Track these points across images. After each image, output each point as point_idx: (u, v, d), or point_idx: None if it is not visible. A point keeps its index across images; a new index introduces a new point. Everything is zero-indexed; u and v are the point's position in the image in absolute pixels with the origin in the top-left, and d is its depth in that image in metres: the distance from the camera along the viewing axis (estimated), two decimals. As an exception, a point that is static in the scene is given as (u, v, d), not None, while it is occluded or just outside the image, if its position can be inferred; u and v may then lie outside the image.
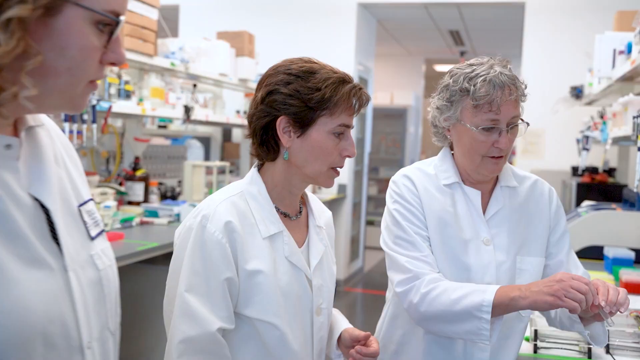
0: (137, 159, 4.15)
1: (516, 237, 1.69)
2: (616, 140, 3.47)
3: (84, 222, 0.97)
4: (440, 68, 11.47)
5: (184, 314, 1.36)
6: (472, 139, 1.62)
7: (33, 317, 0.80)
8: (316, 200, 1.65)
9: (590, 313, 1.48)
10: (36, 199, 0.87)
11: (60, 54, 0.81)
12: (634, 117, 2.43)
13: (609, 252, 3.02)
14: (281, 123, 1.42)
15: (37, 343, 0.81)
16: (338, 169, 1.49)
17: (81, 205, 0.98)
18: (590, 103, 5.04)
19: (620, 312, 1.43)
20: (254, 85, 5.31)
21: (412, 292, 1.60)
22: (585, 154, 4.19)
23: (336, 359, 1.62)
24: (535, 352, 1.81)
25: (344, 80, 1.44)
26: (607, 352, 1.79)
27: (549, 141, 6.01)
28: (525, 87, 1.65)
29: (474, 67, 1.62)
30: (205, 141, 5.97)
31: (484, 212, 1.70)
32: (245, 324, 1.42)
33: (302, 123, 1.42)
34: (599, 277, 2.76)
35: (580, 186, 4.62)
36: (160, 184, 4.47)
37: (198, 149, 5.78)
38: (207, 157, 5.89)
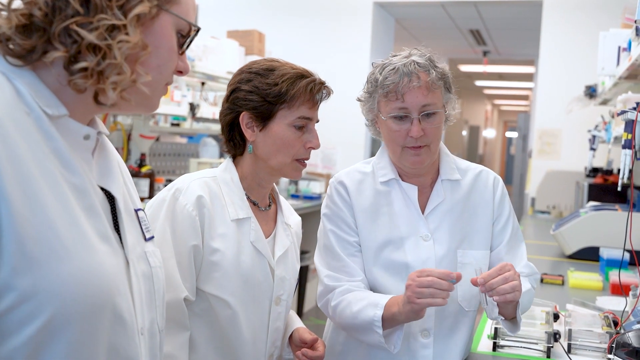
0: (142, 155, 4.20)
1: (457, 230, 1.67)
2: (617, 140, 3.40)
3: (140, 223, 1.03)
4: (464, 68, 11.35)
5: None
6: (388, 129, 1.63)
7: (107, 282, 0.86)
8: (286, 203, 1.72)
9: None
10: (104, 190, 0.95)
11: (154, 52, 0.91)
12: (618, 114, 2.37)
13: (604, 252, 2.95)
14: (244, 118, 1.52)
15: (106, 313, 0.86)
16: (303, 160, 1.56)
17: (136, 210, 1.05)
18: (604, 102, 4.92)
19: (494, 299, 1.42)
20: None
21: (328, 306, 1.65)
22: (592, 154, 4.10)
23: (286, 356, 1.65)
24: (494, 349, 1.79)
25: (302, 75, 1.52)
26: (568, 351, 1.75)
27: (565, 141, 5.90)
28: (443, 75, 1.61)
29: (392, 57, 1.63)
30: (220, 139, 6.02)
31: (424, 208, 1.69)
32: (202, 300, 1.49)
33: (263, 117, 1.51)
34: (590, 277, 2.71)
35: (592, 187, 4.52)
36: (168, 180, 4.52)
37: (213, 147, 5.83)
38: (221, 155, 5.95)
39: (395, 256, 1.64)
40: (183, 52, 0.97)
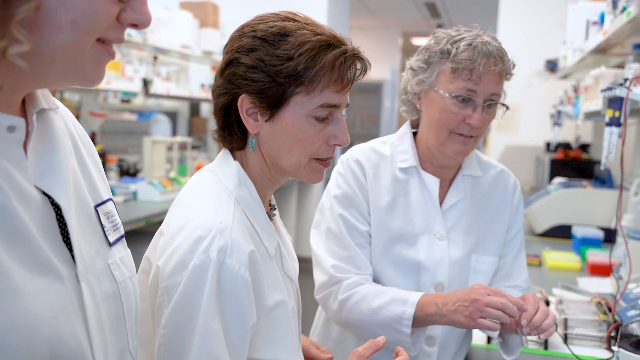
0: (93, 134, 3.97)
1: (473, 232, 1.53)
2: (588, 115, 3.35)
3: (102, 225, 0.83)
4: (417, 42, 11.32)
5: None
6: (442, 108, 1.44)
7: (39, 335, 0.66)
8: None
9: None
10: (45, 194, 0.73)
11: (62, 3, 0.66)
12: (602, 91, 2.30)
13: (577, 231, 2.92)
14: (244, 103, 1.08)
15: None
16: (325, 160, 1.14)
17: (99, 205, 0.84)
18: (565, 77, 4.91)
19: (540, 338, 1.31)
20: (219, 58, 5.13)
21: (330, 299, 1.48)
22: (557, 129, 4.08)
23: None
24: (488, 342, 1.70)
25: (328, 44, 1.06)
26: (565, 342, 1.67)
27: (524, 116, 5.90)
28: (514, 67, 1.48)
29: (461, 32, 1.46)
30: (172, 116, 5.79)
31: (441, 203, 1.54)
32: None
33: (271, 103, 1.07)
34: (567, 257, 2.66)
35: (553, 162, 4.52)
36: (121, 160, 4.30)
37: (165, 124, 5.60)
38: (174, 132, 5.72)
39: (407, 253, 1.50)
40: (127, 1, 0.71)
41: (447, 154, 1.48)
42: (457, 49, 1.41)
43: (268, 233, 1.12)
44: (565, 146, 4.92)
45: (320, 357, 1.33)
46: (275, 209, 1.22)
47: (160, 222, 1.16)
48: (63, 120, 0.82)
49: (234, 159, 1.14)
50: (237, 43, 1.09)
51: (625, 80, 2.05)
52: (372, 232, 1.51)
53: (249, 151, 1.13)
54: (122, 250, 0.86)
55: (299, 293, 1.27)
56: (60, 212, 0.74)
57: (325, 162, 1.14)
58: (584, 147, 4.96)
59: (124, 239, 0.88)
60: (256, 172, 1.14)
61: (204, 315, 0.97)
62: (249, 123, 1.10)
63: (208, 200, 1.08)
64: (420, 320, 1.39)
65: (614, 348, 1.54)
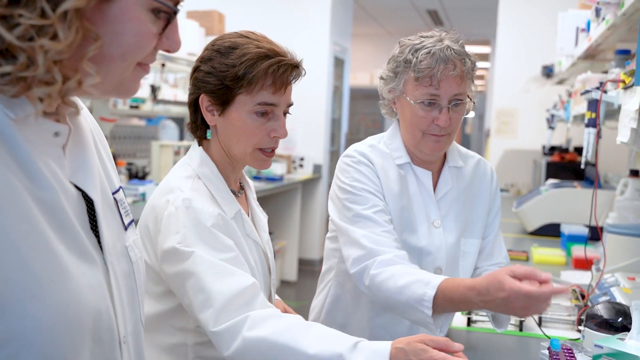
0: (103, 139, 4.13)
1: (462, 218, 1.68)
2: (577, 119, 3.49)
3: (119, 212, 0.95)
4: (422, 48, 11.42)
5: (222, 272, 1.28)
6: (412, 113, 1.59)
7: (85, 311, 0.79)
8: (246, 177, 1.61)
9: None
10: (79, 189, 0.85)
11: (115, 40, 0.78)
12: (581, 94, 2.44)
13: (565, 229, 3.04)
14: (203, 101, 1.39)
15: (86, 337, 0.80)
16: (268, 150, 1.42)
17: (114, 192, 0.96)
18: (560, 82, 5.04)
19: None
20: (225, 65, 5.28)
21: (365, 274, 1.52)
22: (551, 133, 4.20)
23: None
24: (468, 325, 1.83)
25: (265, 55, 1.35)
26: (539, 324, 1.81)
27: (522, 121, 6.03)
28: (474, 65, 1.60)
29: (423, 39, 1.57)
30: (180, 122, 5.95)
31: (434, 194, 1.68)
32: None
33: (221, 101, 1.38)
34: (553, 253, 2.79)
35: (549, 165, 4.64)
36: (130, 164, 4.45)
37: (172, 130, 5.76)
38: (181, 137, 5.88)
39: (411, 240, 1.63)
40: (166, 30, 0.84)
41: (424, 152, 1.63)
42: (417, 58, 1.54)
43: (227, 201, 1.41)
44: (562, 150, 5.05)
45: None
46: (242, 188, 1.53)
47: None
48: (85, 118, 0.95)
49: (200, 145, 1.46)
50: (202, 54, 1.41)
51: (601, 83, 2.18)
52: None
53: (212, 139, 1.44)
54: (134, 234, 0.98)
55: (270, 261, 1.52)
56: (92, 204, 0.86)
57: (268, 153, 1.42)
58: (579, 150, 5.08)
59: (133, 223, 1.01)
60: (216, 156, 1.45)
61: (187, 239, 1.28)
62: (207, 117, 1.41)
63: (175, 175, 1.42)
64: (445, 304, 1.41)
65: (581, 328, 1.67)
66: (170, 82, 4.85)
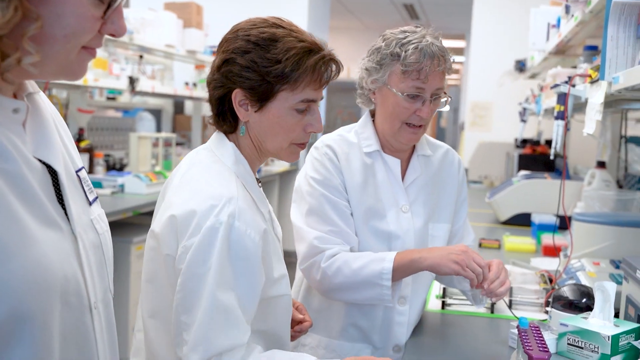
0: (81, 130, 4.14)
1: (430, 204, 1.76)
2: (548, 112, 3.59)
3: (83, 187, 0.99)
4: (398, 42, 11.51)
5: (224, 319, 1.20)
6: (395, 104, 1.65)
7: (52, 275, 0.83)
8: None
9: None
10: (43, 163, 0.89)
11: (57, 21, 0.80)
12: (551, 88, 2.53)
13: (535, 218, 3.15)
14: (237, 96, 1.30)
15: (55, 301, 0.83)
16: (302, 144, 1.38)
17: (78, 170, 0.99)
18: (533, 76, 5.16)
19: (492, 301, 1.62)
20: (203, 57, 5.30)
21: (314, 269, 1.63)
22: (523, 126, 4.31)
23: None
24: (443, 308, 1.91)
25: (310, 50, 1.29)
26: (509, 307, 1.90)
27: (496, 114, 6.15)
28: (453, 61, 1.68)
29: (407, 34, 1.64)
30: (157, 113, 5.96)
31: (402, 180, 1.76)
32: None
33: (260, 97, 1.30)
34: (524, 241, 2.89)
35: (521, 157, 4.75)
36: (108, 155, 4.46)
37: (149, 121, 5.77)
38: (158, 129, 5.89)
39: (380, 225, 1.70)
40: (109, 14, 0.86)
41: (400, 141, 1.71)
42: (405, 52, 1.60)
43: (262, 201, 1.37)
44: (534, 142, 5.17)
45: (296, 316, 1.52)
46: (260, 181, 1.44)
47: (147, 213, 1.38)
48: (43, 101, 1.00)
49: (232, 139, 1.37)
50: (233, 44, 1.30)
51: (570, 78, 2.27)
52: (352, 208, 1.70)
53: (239, 135, 1.36)
54: (98, 209, 1.02)
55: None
56: (56, 177, 0.90)
57: (302, 146, 1.38)
58: (550, 143, 5.20)
59: (98, 199, 1.06)
60: (246, 152, 1.37)
61: (215, 268, 1.18)
62: (240, 112, 1.32)
63: (212, 175, 1.30)
64: (401, 269, 1.59)
65: (548, 309, 1.76)
66: (147, 73, 4.85)
